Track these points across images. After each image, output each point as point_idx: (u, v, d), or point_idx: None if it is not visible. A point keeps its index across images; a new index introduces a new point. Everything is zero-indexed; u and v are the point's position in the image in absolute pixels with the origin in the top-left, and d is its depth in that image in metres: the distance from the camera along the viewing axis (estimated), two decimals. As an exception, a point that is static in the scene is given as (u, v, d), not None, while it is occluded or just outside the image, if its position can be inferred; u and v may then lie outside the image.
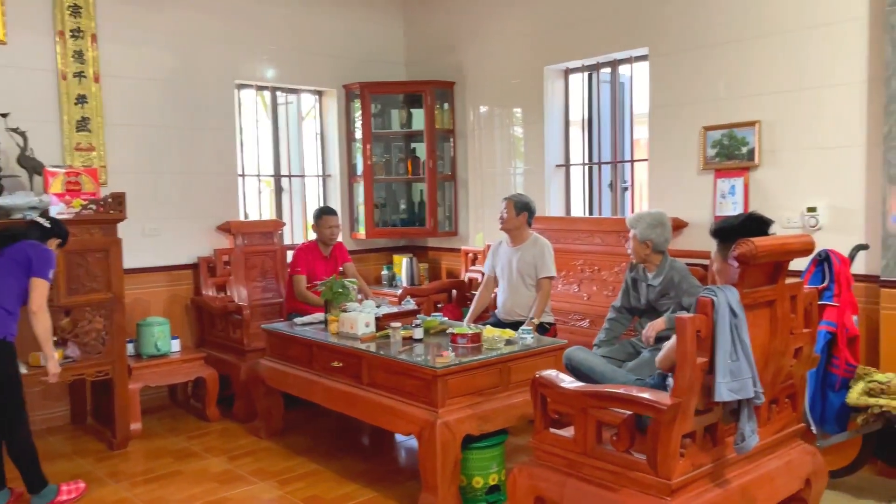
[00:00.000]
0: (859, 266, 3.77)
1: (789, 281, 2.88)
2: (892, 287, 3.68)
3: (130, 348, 4.69)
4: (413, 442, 4.32)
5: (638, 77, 5.11)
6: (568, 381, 2.86)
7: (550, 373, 2.95)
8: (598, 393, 2.73)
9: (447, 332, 4.04)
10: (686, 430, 2.57)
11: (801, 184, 4.14)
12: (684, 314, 2.62)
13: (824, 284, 3.43)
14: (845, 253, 3.60)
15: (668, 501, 2.50)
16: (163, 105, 5.27)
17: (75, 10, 4.81)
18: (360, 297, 4.75)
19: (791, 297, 2.87)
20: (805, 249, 2.80)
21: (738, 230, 2.72)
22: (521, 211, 4.65)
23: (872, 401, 3.24)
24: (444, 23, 6.25)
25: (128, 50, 5.10)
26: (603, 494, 2.66)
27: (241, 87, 5.78)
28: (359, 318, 4.06)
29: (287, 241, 6.01)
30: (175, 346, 4.94)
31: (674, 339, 2.55)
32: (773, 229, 2.81)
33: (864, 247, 3.74)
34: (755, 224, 2.78)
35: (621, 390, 2.70)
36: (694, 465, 2.61)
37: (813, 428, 3.40)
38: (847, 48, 3.91)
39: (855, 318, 3.44)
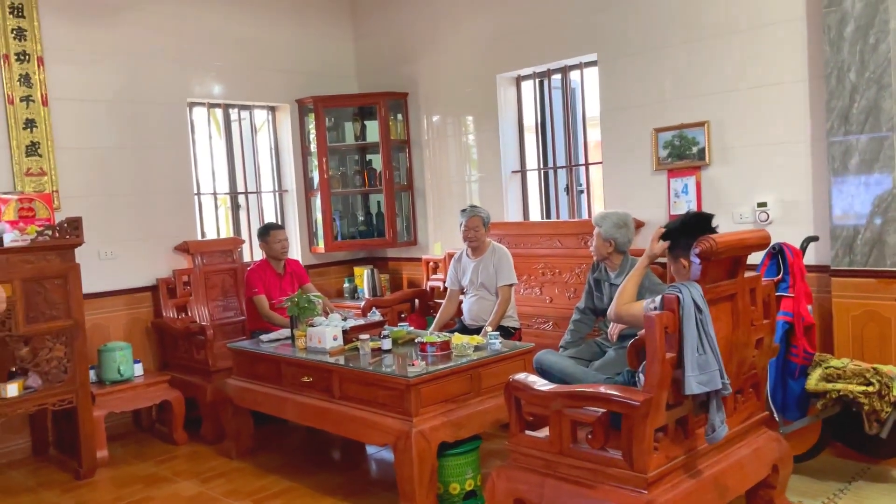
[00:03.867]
0: (810, 257, 3.92)
1: (747, 275, 3.00)
2: (842, 276, 3.84)
3: (92, 374, 4.59)
4: (385, 453, 4.38)
5: (589, 82, 5.22)
6: (541, 384, 2.92)
7: (523, 376, 3.00)
8: (572, 393, 2.79)
9: (415, 341, 4.06)
10: (658, 425, 2.64)
11: (751, 180, 4.29)
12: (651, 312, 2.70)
13: (779, 276, 3.56)
14: (797, 245, 3.75)
15: (644, 494, 2.57)
16: (114, 126, 5.19)
17: (19, 34, 4.71)
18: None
19: (751, 290, 2.98)
20: (762, 243, 2.92)
21: (682, 230, 2.84)
22: (487, 225, 4.75)
23: (830, 386, 3.37)
24: (395, 35, 6.29)
25: (76, 72, 5.01)
26: (581, 492, 2.72)
27: (192, 105, 5.73)
28: (326, 332, 4.06)
29: (246, 258, 5.95)
30: (138, 370, 4.86)
31: (642, 303, 2.64)
32: (727, 226, 2.93)
33: (814, 238, 3.90)
34: (696, 221, 2.91)
35: (594, 389, 2.76)
36: (668, 457, 2.69)
37: (775, 415, 3.52)
38: (788, 48, 4.08)
39: (810, 307, 3.59)
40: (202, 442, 4.84)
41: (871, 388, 3.27)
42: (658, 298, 2.69)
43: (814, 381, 3.43)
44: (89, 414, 4.32)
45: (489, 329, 4.38)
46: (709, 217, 2.92)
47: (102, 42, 5.13)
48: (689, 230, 2.82)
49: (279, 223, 5.38)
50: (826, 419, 3.55)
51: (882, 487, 3.50)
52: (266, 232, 5.19)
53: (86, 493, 4.12)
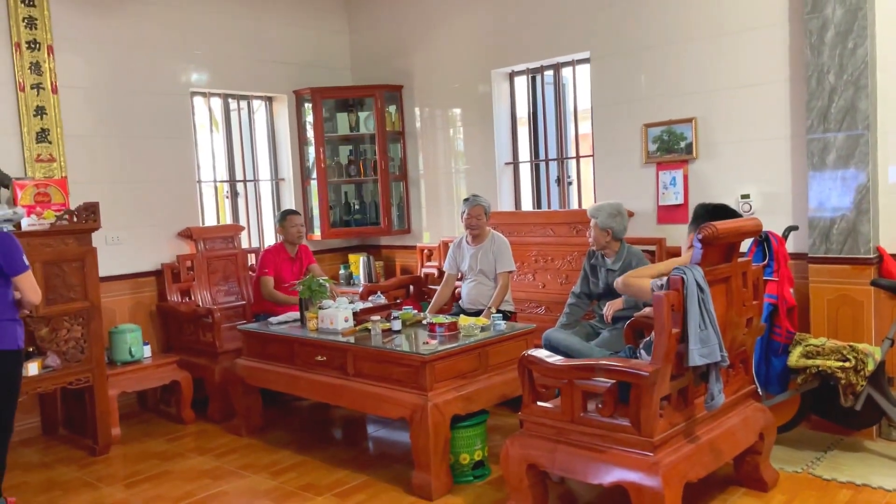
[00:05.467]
0: (789, 245, 4.23)
1: (740, 260, 3.29)
2: (818, 263, 4.16)
3: (103, 356, 4.73)
4: (385, 432, 4.61)
5: (580, 78, 5.48)
6: (554, 358, 3.17)
7: (536, 351, 3.25)
8: (585, 365, 3.05)
9: (423, 322, 4.29)
10: (664, 394, 2.92)
11: (735, 173, 4.59)
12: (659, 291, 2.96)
13: (765, 262, 3.86)
14: (779, 233, 4.05)
15: (651, 457, 2.84)
16: (119, 114, 5.31)
17: (30, 22, 4.81)
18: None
19: (743, 274, 3.27)
20: (756, 230, 3.22)
21: (711, 216, 3.13)
22: (488, 213, 4.99)
23: (810, 362, 3.68)
24: (389, 29, 6.48)
25: (84, 61, 5.12)
26: (592, 456, 2.99)
27: (194, 94, 5.86)
28: (338, 314, 4.26)
29: (245, 244, 6.11)
30: (147, 351, 5.01)
31: (649, 280, 2.91)
32: None
33: (794, 228, 4.21)
34: (723, 211, 3.22)
35: (606, 361, 3.02)
36: (671, 423, 2.96)
37: (759, 390, 3.83)
38: (772, 51, 4.38)
39: (792, 290, 3.90)
40: (209, 421, 5.02)
41: (847, 364, 3.58)
42: (665, 279, 2.95)
43: (795, 357, 3.74)
44: (104, 392, 4.47)
45: (493, 310, 4.61)
46: (731, 210, 3.23)
47: (109, 32, 5.24)
48: (716, 217, 3.10)
49: (296, 210, 5.58)
50: (804, 393, 3.87)
51: (855, 456, 3.83)
52: (284, 217, 5.41)
53: (103, 469, 4.28)
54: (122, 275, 5.30)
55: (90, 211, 4.35)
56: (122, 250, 5.31)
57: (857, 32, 3.92)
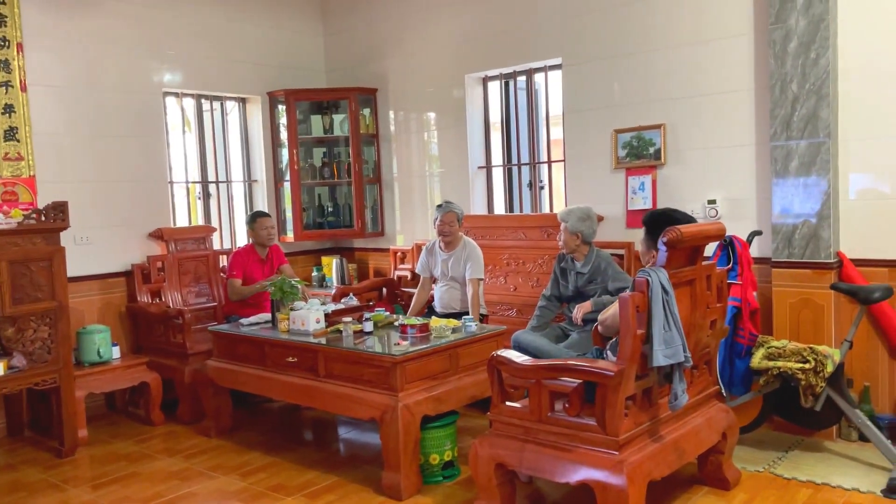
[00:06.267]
0: (753, 250, 4.32)
1: (704, 263, 3.36)
2: (781, 267, 4.26)
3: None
4: (356, 433, 4.63)
5: (552, 84, 5.55)
6: (523, 358, 3.22)
7: (506, 351, 3.29)
8: (552, 366, 3.10)
9: (395, 324, 4.32)
10: (629, 393, 2.98)
11: (702, 179, 4.68)
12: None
13: (729, 266, 3.95)
14: (744, 238, 4.15)
15: (616, 455, 2.90)
16: (90, 113, 5.27)
17: (0, 20, 4.75)
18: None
19: (707, 277, 3.34)
20: (719, 234, 3.30)
21: (659, 224, 3.19)
22: (460, 220, 5.01)
23: (772, 364, 3.77)
24: (364, 32, 6.50)
25: (55, 59, 5.08)
26: (559, 455, 3.03)
27: (166, 94, 5.83)
28: (310, 315, 4.27)
29: (217, 246, 6.09)
30: (116, 352, 4.97)
31: (616, 305, 2.95)
32: None
33: (758, 233, 4.31)
34: (669, 217, 3.28)
35: (573, 361, 3.08)
36: (636, 423, 3.02)
37: (723, 391, 3.91)
38: (738, 60, 4.48)
39: (755, 293, 3.99)
40: (178, 422, 4.99)
41: (807, 366, 3.67)
42: (631, 283, 3.01)
43: (757, 359, 3.83)
44: (71, 393, 4.43)
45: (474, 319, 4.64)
46: (680, 216, 3.28)
47: (81, 30, 5.21)
48: (662, 223, 3.14)
49: (266, 212, 5.56)
50: (767, 394, 3.96)
51: (816, 456, 3.93)
52: (253, 219, 5.39)
53: (70, 471, 4.24)
54: (91, 275, 5.26)
55: (59, 210, 4.32)
56: (92, 250, 5.26)
57: (819, 43, 4.03)
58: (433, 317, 4.42)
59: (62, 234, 4.50)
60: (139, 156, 5.54)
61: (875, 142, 4.06)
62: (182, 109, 6.05)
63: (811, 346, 3.78)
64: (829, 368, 3.66)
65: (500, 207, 6.02)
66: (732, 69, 4.51)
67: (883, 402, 4.12)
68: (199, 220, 6.20)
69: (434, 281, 5.25)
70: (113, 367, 4.86)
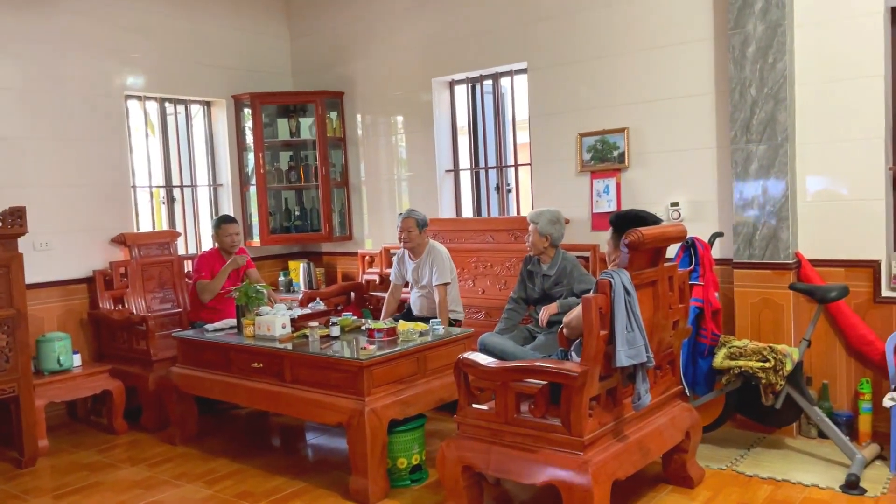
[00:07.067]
0: (715, 251, 4.40)
1: (666, 265, 3.41)
2: (743, 268, 4.34)
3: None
4: (324, 439, 4.61)
5: (518, 88, 5.59)
6: (489, 360, 3.23)
7: (472, 354, 3.31)
8: (518, 367, 3.12)
9: (362, 328, 4.31)
10: (593, 394, 3.01)
11: (665, 182, 4.75)
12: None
13: (691, 267, 4.01)
14: (706, 240, 4.22)
15: (581, 455, 2.92)
16: (50, 117, 5.18)
17: (-45, 20, 4.66)
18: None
19: (669, 278, 3.39)
20: (680, 236, 3.35)
21: (627, 223, 3.21)
22: (423, 228, 4.99)
23: (733, 363, 3.84)
24: (331, 35, 6.48)
25: (13, 61, 4.99)
26: (525, 456, 3.05)
27: (129, 97, 5.75)
28: (276, 320, 4.24)
29: (182, 251, 6.01)
30: (77, 360, 4.89)
31: (580, 307, 2.98)
32: None
33: (719, 234, 4.39)
34: (638, 218, 3.29)
35: (538, 363, 3.10)
36: (600, 423, 3.05)
37: (686, 390, 3.97)
38: (699, 64, 4.56)
39: (717, 294, 4.06)
40: (142, 430, 4.92)
41: (767, 364, 3.74)
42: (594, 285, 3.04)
43: (719, 359, 3.90)
44: (31, 403, 4.34)
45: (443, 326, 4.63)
46: (648, 216, 3.31)
47: (40, 32, 5.12)
48: (630, 225, 3.17)
49: (232, 217, 5.50)
50: (729, 393, 4.02)
51: (777, 453, 4.01)
52: (219, 224, 5.32)
53: (30, 482, 4.15)
54: (51, 282, 5.16)
55: (16, 215, 4.24)
56: (52, 256, 5.17)
57: (776, 48, 4.12)
58: (401, 320, 4.41)
59: (20, 239, 4.41)
60: (101, 160, 5.46)
61: (831, 145, 4.16)
62: (145, 113, 5.97)
63: (771, 345, 3.85)
64: (789, 367, 3.74)
65: (468, 211, 6.04)
66: (694, 74, 4.59)
67: (841, 399, 4.21)
68: (164, 225, 6.13)
69: (407, 285, 5.24)
70: (74, 375, 4.77)
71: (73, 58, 5.30)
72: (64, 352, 4.76)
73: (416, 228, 4.97)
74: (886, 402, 3.68)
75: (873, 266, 4.08)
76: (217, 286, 5.13)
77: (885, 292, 4.06)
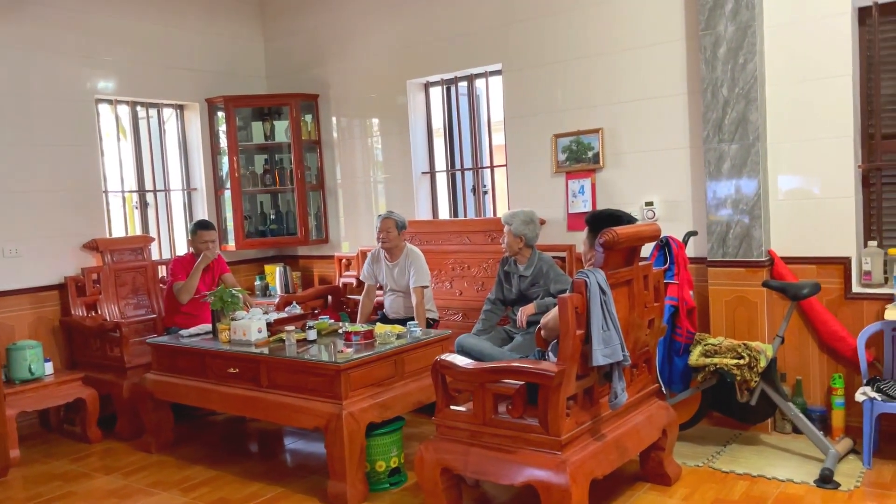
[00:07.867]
0: (690, 250, 4.44)
1: (641, 264, 3.43)
2: (717, 266, 4.38)
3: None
4: (302, 443, 4.58)
5: (493, 90, 5.60)
6: (466, 362, 3.23)
7: (449, 356, 3.30)
8: (495, 368, 3.12)
9: (339, 332, 4.29)
10: (570, 393, 3.01)
11: (640, 182, 4.78)
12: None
13: (666, 266, 4.04)
14: (680, 239, 4.25)
15: (559, 455, 2.93)
16: (17, 121, 5.09)
17: (-81, 23, 4.57)
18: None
19: (644, 277, 3.41)
20: (654, 235, 3.37)
21: (603, 223, 3.22)
22: (401, 230, 4.99)
23: (708, 360, 3.87)
24: (305, 38, 6.45)
25: (-21, 65, 4.91)
26: (503, 457, 3.05)
27: (99, 101, 5.68)
28: (252, 325, 4.21)
29: (155, 256, 5.95)
30: (49, 368, 4.81)
31: (556, 309, 2.99)
32: None
33: (693, 233, 4.43)
34: (613, 217, 3.31)
35: (515, 363, 3.10)
36: (577, 422, 3.06)
37: (663, 388, 3.99)
38: (671, 65, 4.60)
39: (692, 292, 4.09)
40: (117, 439, 4.85)
41: (742, 361, 3.78)
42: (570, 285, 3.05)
43: (695, 356, 3.93)
44: (2, 412, 4.26)
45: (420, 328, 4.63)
46: (623, 216, 3.32)
47: (5, 36, 5.03)
48: (606, 224, 3.18)
49: (209, 223, 5.43)
50: (705, 391, 4.06)
51: (752, 449, 4.04)
52: (195, 231, 5.26)
53: (1, 493, 4.07)
54: (21, 289, 5.08)
55: (-15, 222, 4.16)
56: (22, 263, 5.09)
57: (746, 49, 4.17)
58: (378, 323, 4.40)
59: (-12, 247, 4.36)
60: (71, 165, 5.38)
61: (802, 144, 4.21)
62: (117, 117, 5.89)
63: (745, 342, 3.89)
64: (763, 364, 3.78)
65: (444, 212, 6.04)
66: (666, 74, 4.62)
67: (814, 394, 4.26)
68: (137, 230, 6.05)
69: (380, 287, 5.23)
70: (46, 383, 4.69)
71: (42, 62, 5.22)
72: (35, 360, 4.68)
73: (395, 230, 4.97)
74: (859, 397, 3.73)
75: (844, 263, 4.14)
76: (193, 284, 5.08)
77: (855, 288, 4.12)
